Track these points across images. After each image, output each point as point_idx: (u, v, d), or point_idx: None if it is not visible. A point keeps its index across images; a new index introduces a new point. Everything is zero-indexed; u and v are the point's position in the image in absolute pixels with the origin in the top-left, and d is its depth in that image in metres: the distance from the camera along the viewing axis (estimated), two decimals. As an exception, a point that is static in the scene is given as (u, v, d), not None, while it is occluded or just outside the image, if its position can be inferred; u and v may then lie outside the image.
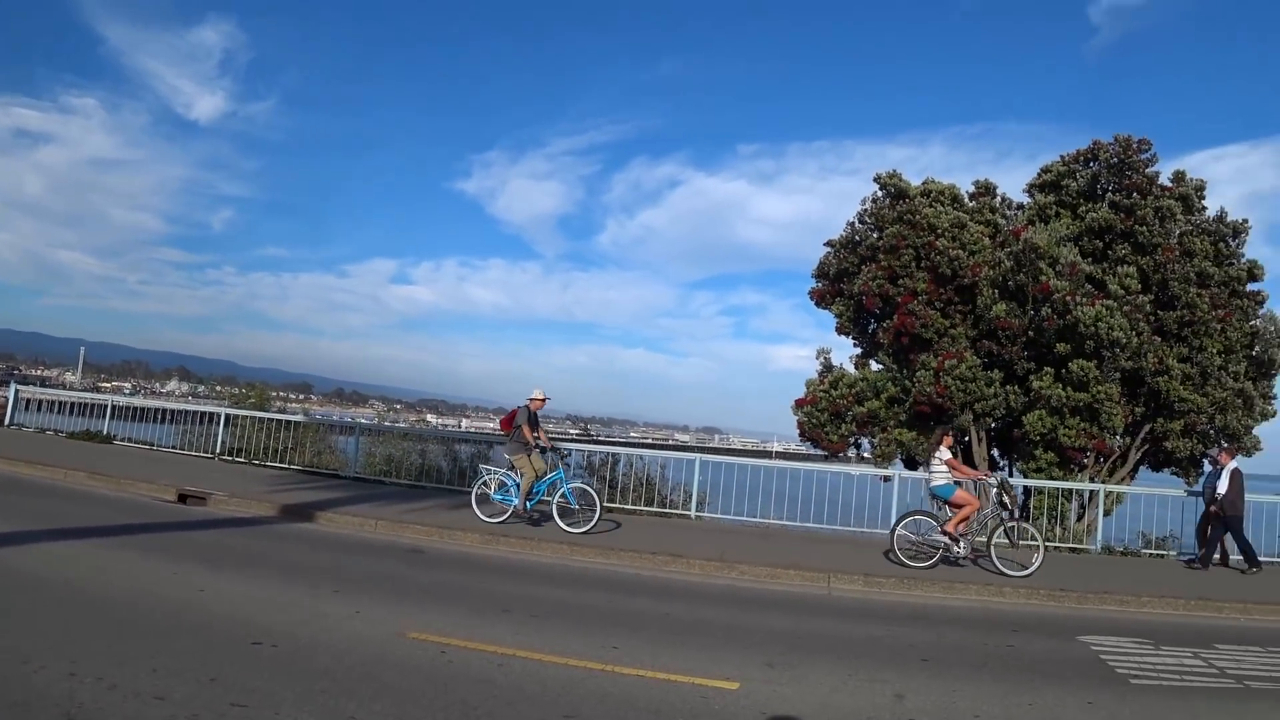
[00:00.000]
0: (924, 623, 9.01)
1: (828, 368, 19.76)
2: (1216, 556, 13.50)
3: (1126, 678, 7.17)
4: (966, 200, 19.60)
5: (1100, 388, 15.85)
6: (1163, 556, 14.44)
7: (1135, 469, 18.11)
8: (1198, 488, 14.84)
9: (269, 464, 17.20)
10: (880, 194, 19.18)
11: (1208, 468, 16.48)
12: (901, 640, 8.04)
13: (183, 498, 12.82)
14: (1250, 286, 18.02)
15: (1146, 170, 18.04)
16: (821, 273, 20.07)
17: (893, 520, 12.86)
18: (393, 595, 8.16)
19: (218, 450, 17.91)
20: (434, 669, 5.88)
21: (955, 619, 9.36)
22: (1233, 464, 13.34)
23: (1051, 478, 16.08)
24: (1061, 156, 19.68)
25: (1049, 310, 16.26)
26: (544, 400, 13.20)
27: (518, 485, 12.64)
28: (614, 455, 16.53)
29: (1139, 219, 17.30)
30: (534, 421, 12.98)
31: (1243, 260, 18.19)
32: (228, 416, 18.63)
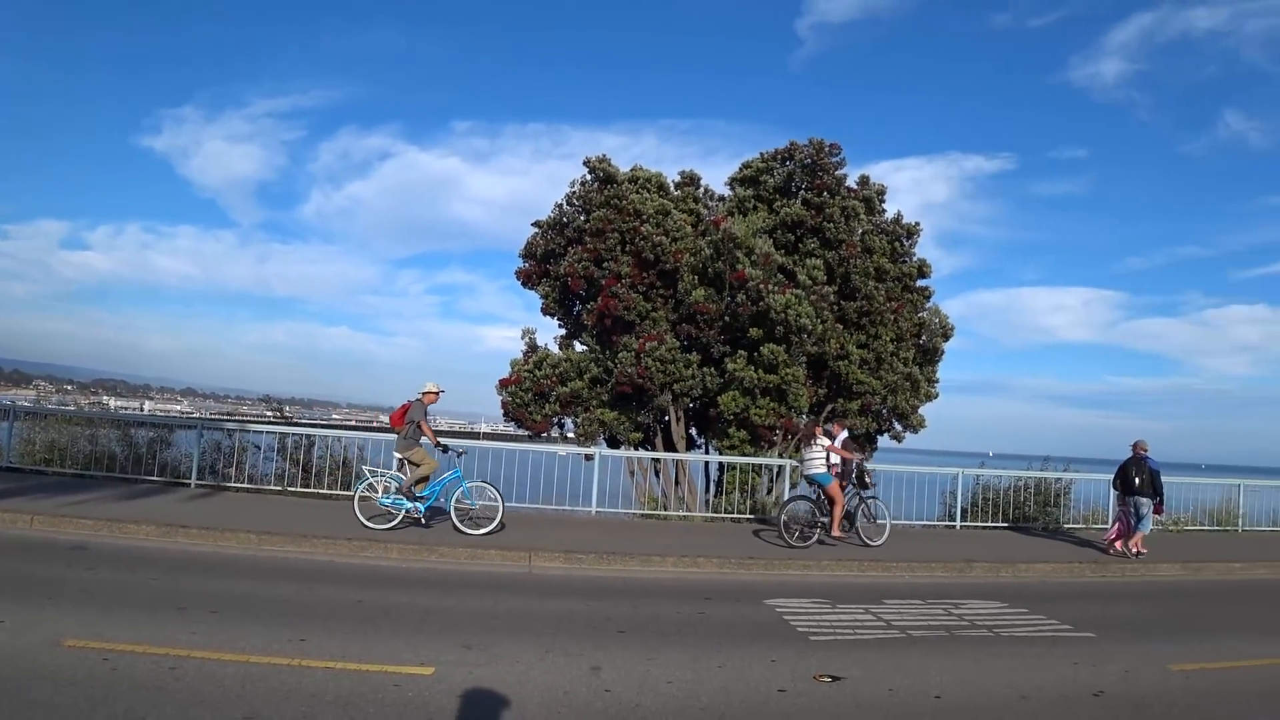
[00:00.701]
0: (622, 596, 8.99)
1: (533, 348, 19.57)
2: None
3: (806, 635, 7.52)
4: (672, 189, 20.15)
5: (788, 370, 16.83)
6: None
7: (818, 446, 19.44)
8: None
9: (-106, 456, 14.45)
10: (589, 178, 19.24)
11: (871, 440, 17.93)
12: (599, 614, 8.00)
13: None
14: (920, 283, 20.02)
15: (836, 173, 19.40)
16: (529, 253, 19.86)
17: (782, 501, 13.67)
18: (48, 599, 7.06)
19: None
20: (94, 679, 5.23)
21: (652, 591, 9.43)
22: (844, 434, 14.59)
23: (744, 454, 16.82)
24: (761, 154, 20.69)
25: (744, 297, 17.01)
26: (438, 394, 12.29)
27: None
28: (309, 437, 15.33)
29: (827, 216, 18.58)
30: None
31: (914, 259, 20.11)
32: None
